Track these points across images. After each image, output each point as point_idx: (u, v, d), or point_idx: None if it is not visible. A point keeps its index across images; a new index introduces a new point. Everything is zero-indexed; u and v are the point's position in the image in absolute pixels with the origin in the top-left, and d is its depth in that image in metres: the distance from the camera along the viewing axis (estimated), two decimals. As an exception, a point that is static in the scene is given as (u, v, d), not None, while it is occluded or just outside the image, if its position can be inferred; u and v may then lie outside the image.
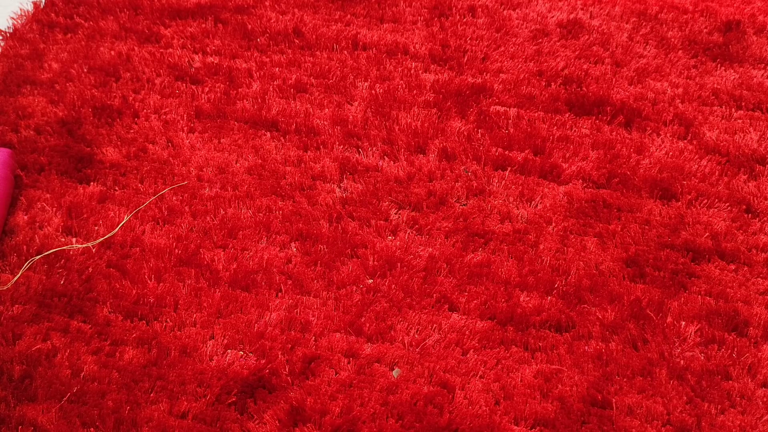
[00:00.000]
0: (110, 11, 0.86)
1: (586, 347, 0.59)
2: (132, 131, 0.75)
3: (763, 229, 0.65)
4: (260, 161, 0.72)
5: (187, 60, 0.81)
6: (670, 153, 0.70)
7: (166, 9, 0.86)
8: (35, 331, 0.61)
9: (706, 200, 0.67)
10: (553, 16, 0.83)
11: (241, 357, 0.59)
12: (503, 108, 0.75)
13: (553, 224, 0.66)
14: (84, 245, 0.66)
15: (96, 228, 0.67)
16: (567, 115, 0.74)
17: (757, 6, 0.84)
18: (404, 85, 0.77)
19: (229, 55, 0.81)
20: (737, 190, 0.68)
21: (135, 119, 0.76)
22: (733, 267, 0.63)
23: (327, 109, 0.76)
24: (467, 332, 0.60)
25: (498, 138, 0.72)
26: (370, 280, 0.63)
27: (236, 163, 0.72)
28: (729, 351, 0.58)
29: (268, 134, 0.74)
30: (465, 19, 0.84)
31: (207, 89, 0.78)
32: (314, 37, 0.82)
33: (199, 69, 0.80)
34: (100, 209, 0.69)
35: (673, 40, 0.81)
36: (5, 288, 0.63)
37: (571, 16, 0.83)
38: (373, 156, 0.71)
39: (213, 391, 0.57)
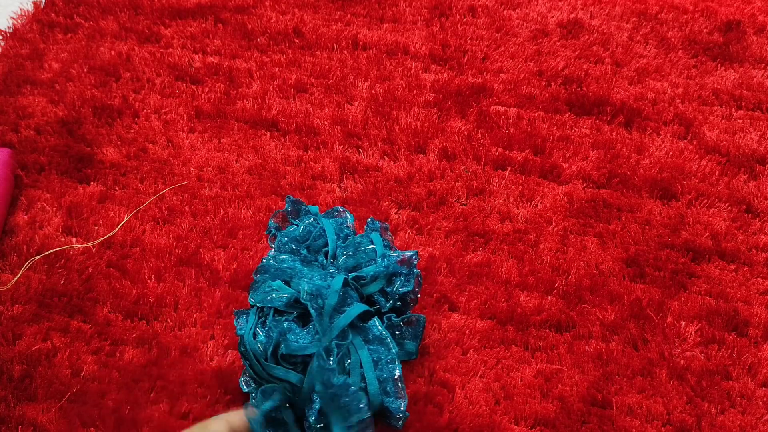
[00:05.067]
0: (110, 11, 0.86)
1: (586, 347, 0.59)
2: (132, 131, 0.75)
3: (763, 229, 0.65)
4: (260, 161, 0.72)
5: (187, 60, 0.81)
6: (670, 153, 0.70)
7: (166, 9, 0.86)
8: (35, 331, 0.61)
9: (706, 200, 0.67)
10: (553, 16, 0.83)
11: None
12: (503, 108, 0.75)
13: (553, 224, 0.66)
14: (84, 245, 0.66)
15: (96, 228, 0.67)
16: (567, 115, 0.74)
17: (757, 6, 0.84)
18: (404, 85, 0.77)
19: (229, 55, 0.81)
20: (737, 190, 0.68)
21: (135, 119, 0.76)
22: (733, 267, 0.63)
23: (327, 109, 0.76)
24: (467, 332, 0.60)
25: (498, 138, 0.72)
26: None
27: (236, 163, 0.72)
28: (729, 351, 0.58)
29: (268, 134, 0.74)
30: (465, 19, 0.84)
31: (207, 89, 0.78)
32: (314, 37, 0.82)
33: (199, 69, 0.80)
34: (100, 209, 0.69)
35: (673, 40, 0.81)
36: (5, 288, 0.63)
37: (571, 16, 0.83)
38: (373, 156, 0.71)
39: (213, 392, 0.57)
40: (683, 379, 0.57)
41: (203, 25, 0.84)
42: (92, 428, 0.55)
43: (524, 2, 0.85)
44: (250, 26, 0.84)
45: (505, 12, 0.84)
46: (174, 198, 0.69)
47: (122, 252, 0.66)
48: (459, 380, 0.57)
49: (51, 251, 0.65)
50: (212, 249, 0.66)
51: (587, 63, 0.79)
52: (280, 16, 0.85)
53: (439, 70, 0.79)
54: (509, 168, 0.70)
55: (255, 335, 0.51)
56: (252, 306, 0.55)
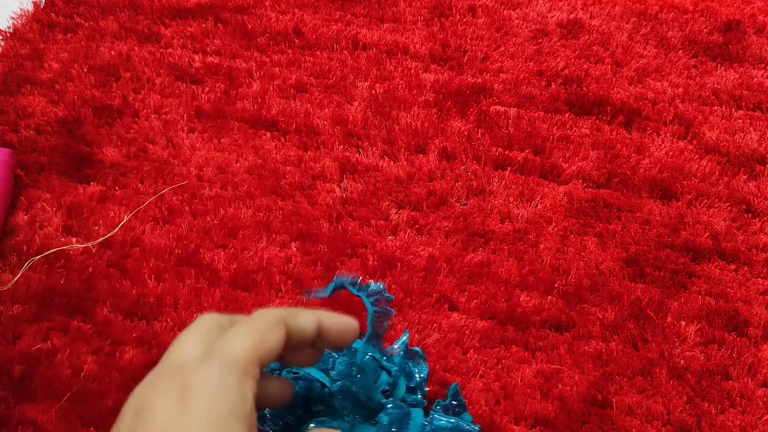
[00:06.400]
0: (110, 11, 0.86)
1: (586, 347, 0.59)
2: (132, 131, 0.75)
3: (763, 229, 0.65)
4: (260, 161, 0.72)
5: (187, 60, 0.81)
6: (670, 153, 0.70)
7: (166, 9, 0.86)
8: (35, 331, 0.61)
9: (706, 200, 0.67)
10: (553, 16, 0.83)
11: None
12: (503, 108, 0.75)
13: (553, 224, 0.66)
14: (84, 245, 0.66)
15: (96, 228, 0.67)
16: (567, 115, 0.74)
17: (757, 6, 0.84)
18: (404, 85, 0.77)
19: (229, 55, 0.81)
20: (737, 190, 0.68)
21: (135, 119, 0.76)
22: (733, 267, 0.63)
23: (327, 109, 0.76)
24: (467, 332, 0.60)
25: (498, 138, 0.72)
26: (371, 280, 0.62)
27: (236, 163, 0.72)
28: (729, 351, 0.58)
29: (268, 134, 0.74)
30: (465, 19, 0.84)
31: (207, 89, 0.78)
32: (314, 37, 0.82)
33: (199, 69, 0.80)
34: (100, 209, 0.69)
35: (673, 40, 0.81)
36: (5, 288, 0.63)
37: (571, 16, 0.83)
38: (373, 156, 0.71)
39: (213, 391, 0.57)
40: (683, 379, 0.57)
41: (203, 25, 0.84)
42: (92, 428, 0.55)
43: (524, 2, 0.85)
44: (250, 26, 0.84)
45: (505, 12, 0.84)
46: (174, 198, 0.69)
47: (122, 252, 0.66)
48: (459, 380, 0.57)
49: (51, 251, 0.65)
50: (212, 249, 0.66)
51: (587, 63, 0.79)
52: (280, 16, 0.85)
53: (439, 70, 0.79)
54: (509, 168, 0.70)
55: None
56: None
